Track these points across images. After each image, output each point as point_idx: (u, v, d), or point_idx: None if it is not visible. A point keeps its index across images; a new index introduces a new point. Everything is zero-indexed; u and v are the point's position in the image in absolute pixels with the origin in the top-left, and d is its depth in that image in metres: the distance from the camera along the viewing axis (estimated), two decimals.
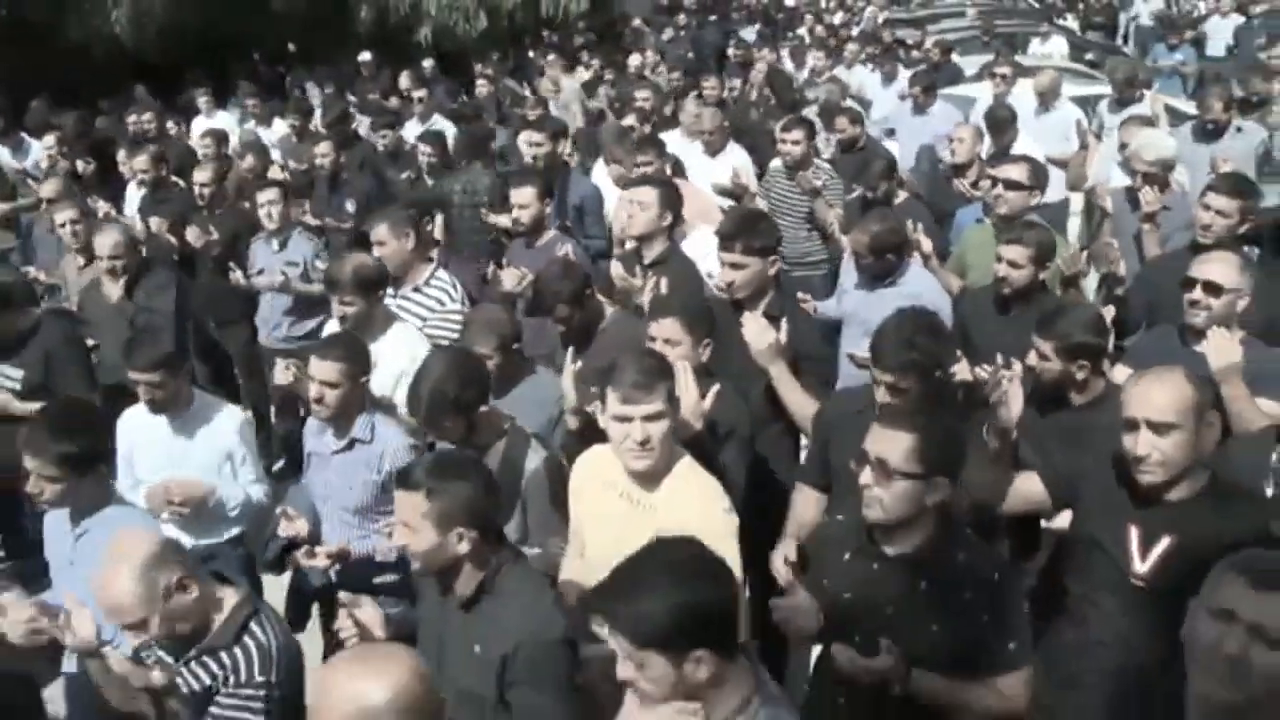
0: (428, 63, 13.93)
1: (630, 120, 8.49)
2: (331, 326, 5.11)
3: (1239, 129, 7.63)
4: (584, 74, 14.48)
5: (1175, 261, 4.87)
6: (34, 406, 4.93)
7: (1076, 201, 8.25)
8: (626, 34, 18.54)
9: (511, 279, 5.42)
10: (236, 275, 6.68)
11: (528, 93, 12.89)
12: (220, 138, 9.23)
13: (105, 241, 5.96)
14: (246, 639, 2.98)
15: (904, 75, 11.73)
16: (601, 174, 7.52)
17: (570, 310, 4.57)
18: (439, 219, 7.12)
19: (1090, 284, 5.99)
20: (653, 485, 3.29)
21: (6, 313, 5.15)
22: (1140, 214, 5.82)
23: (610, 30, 19.16)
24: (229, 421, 4.50)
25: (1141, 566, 3.04)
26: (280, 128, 10.97)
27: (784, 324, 4.11)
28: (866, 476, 2.85)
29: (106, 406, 4.69)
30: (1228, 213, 4.96)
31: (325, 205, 7.73)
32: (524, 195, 5.92)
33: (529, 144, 7.15)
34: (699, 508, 3.21)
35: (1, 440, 4.49)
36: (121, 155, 8.88)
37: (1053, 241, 4.87)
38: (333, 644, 3.50)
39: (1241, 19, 15.15)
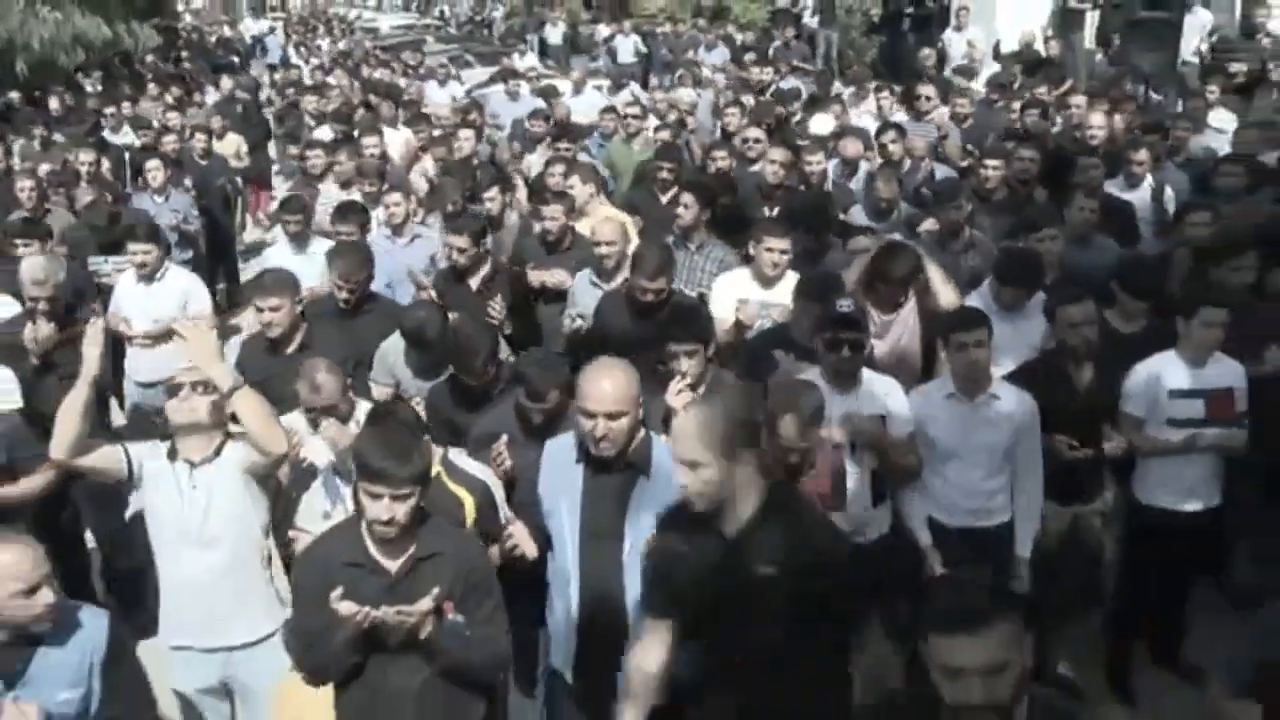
0: (15, 93, 16.09)
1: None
2: None
3: (699, 94, 13.56)
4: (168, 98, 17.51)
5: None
6: None
7: None
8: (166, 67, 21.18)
9: None
10: None
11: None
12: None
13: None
14: None
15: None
16: None
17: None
18: None
19: None
20: None
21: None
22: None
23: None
24: None
25: None
26: None
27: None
28: None
29: None
30: None
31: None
32: (372, 141, 10.03)
33: (332, 130, 11.19)
34: None
35: None
36: None
37: None
38: None
39: (639, 37, 21.90)
